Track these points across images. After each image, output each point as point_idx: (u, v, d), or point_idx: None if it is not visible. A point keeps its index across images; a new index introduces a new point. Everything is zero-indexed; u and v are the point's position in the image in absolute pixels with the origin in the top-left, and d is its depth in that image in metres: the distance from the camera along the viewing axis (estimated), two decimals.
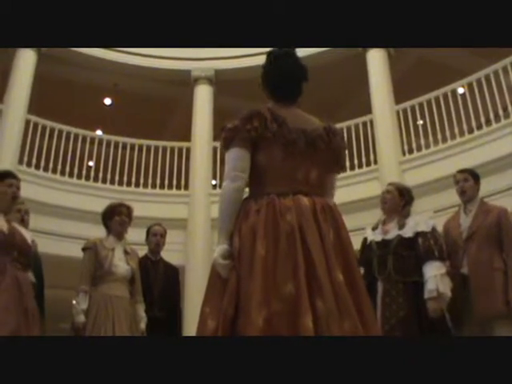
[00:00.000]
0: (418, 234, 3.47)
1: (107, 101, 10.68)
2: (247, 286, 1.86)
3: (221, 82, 9.54)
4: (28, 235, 3.40)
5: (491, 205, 3.81)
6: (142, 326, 3.93)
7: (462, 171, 3.85)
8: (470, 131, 7.55)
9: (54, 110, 9.11)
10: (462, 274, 3.54)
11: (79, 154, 8.46)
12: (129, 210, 4.10)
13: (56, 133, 8.43)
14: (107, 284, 3.84)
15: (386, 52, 8.62)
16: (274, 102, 2.23)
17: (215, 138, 8.77)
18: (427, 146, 7.92)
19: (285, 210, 1.97)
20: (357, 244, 3.13)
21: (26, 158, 7.91)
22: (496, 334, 3.36)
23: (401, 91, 8.31)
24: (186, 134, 9.38)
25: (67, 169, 8.27)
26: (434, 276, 3.31)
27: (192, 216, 8.52)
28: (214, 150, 8.82)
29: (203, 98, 9.47)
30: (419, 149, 7.95)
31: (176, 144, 9.22)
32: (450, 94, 7.86)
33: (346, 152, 2.34)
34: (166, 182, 8.84)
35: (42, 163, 8.08)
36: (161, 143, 9.19)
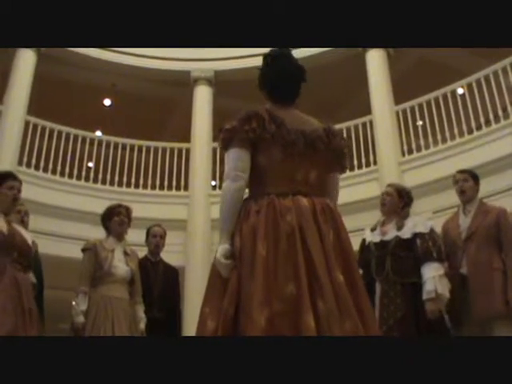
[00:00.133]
0: (416, 235, 3.49)
1: (107, 101, 10.68)
2: (248, 286, 1.87)
3: (220, 82, 9.54)
4: (28, 236, 3.40)
5: (490, 205, 3.82)
6: (142, 326, 3.93)
7: (461, 172, 3.86)
8: (470, 132, 7.55)
9: (54, 111, 9.11)
10: (461, 275, 3.54)
11: (79, 154, 8.46)
12: (128, 210, 4.11)
13: (55, 133, 8.42)
14: (107, 285, 3.84)
15: (385, 52, 8.62)
16: (272, 103, 2.23)
17: (215, 139, 8.76)
18: (427, 147, 7.92)
19: (285, 210, 1.98)
20: (356, 245, 3.14)
21: (25, 159, 7.91)
22: (495, 334, 3.36)
23: (400, 92, 8.31)
24: (185, 134, 9.38)
25: (67, 170, 8.27)
26: (433, 277, 3.33)
27: (192, 217, 8.52)
28: (214, 150, 8.82)
29: (203, 99, 9.47)
30: (419, 149, 7.95)
31: (175, 145, 9.22)
32: (449, 95, 7.87)
33: (348, 152, 2.33)
34: (166, 182, 8.84)
35: (42, 164, 8.07)
36: (160, 144, 9.19)
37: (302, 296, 1.81)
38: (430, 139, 7.85)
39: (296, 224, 1.94)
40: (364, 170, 8.23)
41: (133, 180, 8.67)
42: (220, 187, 7.84)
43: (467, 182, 3.73)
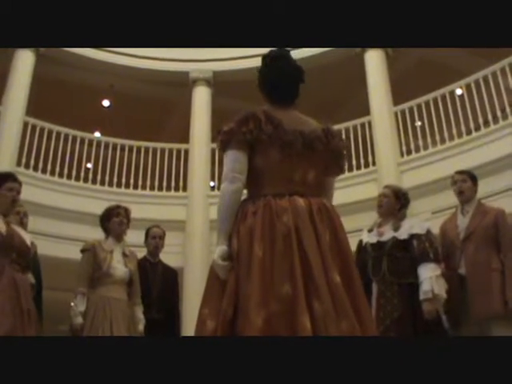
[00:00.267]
0: (412, 236, 3.52)
1: (105, 102, 10.67)
2: (245, 288, 1.88)
3: (219, 83, 9.54)
4: (27, 237, 3.40)
5: (488, 206, 3.83)
6: (140, 327, 3.92)
7: (460, 172, 3.87)
8: (468, 133, 7.55)
9: (53, 112, 9.10)
10: (460, 275, 3.55)
11: (77, 155, 8.45)
12: (126, 211, 4.11)
13: (54, 134, 8.42)
14: (105, 286, 3.83)
15: (384, 53, 8.63)
16: (271, 104, 2.23)
17: (213, 140, 8.76)
18: (425, 148, 7.92)
19: (281, 211, 1.98)
20: (354, 245, 3.14)
21: (24, 160, 7.90)
22: (493, 334, 3.36)
23: (399, 92, 8.32)
24: (184, 135, 9.38)
25: (65, 171, 8.26)
26: (430, 277, 3.36)
27: (190, 218, 8.52)
28: (213, 151, 8.81)
29: (201, 100, 9.47)
30: (417, 150, 7.95)
31: (174, 146, 9.21)
32: (448, 95, 7.87)
33: (346, 153, 2.34)
34: (165, 183, 8.83)
35: (41, 165, 8.07)
36: (159, 145, 9.19)
37: (298, 296, 1.81)
38: (429, 140, 7.85)
39: (292, 225, 1.95)
40: (363, 170, 8.23)
41: (131, 181, 8.67)
42: (219, 188, 7.85)
43: (465, 182, 3.74)
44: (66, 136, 8.58)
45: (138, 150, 9.00)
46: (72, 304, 3.77)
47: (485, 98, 7.46)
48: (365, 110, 8.45)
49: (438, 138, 7.72)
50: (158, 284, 4.38)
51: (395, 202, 3.68)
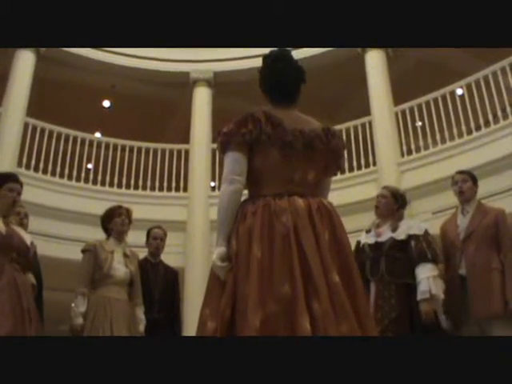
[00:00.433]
0: (410, 237, 3.54)
1: (106, 103, 10.68)
2: (243, 288, 1.87)
3: (219, 83, 9.55)
4: (27, 237, 3.40)
5: (488, 206, 3.83)
6: (141, 328, 3.92)
7: (460, 172, 3.87)
8: (469, 133, 7.55)
9: (53, 113, 9.11)
10: (460, 275, 3.55)
11: (78, 156, 8.45)
12: (128, 212, 4.10)
13: (55, 135, 8.42)
14: (106, 287, 3.83)
15: (384, 53, 8.63)
16: (272, 104, 2.24)
17: (214, 140, 8.74)
18: (426, 148, 7.92)
19: (280, 211, 1.98)
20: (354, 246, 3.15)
21: (24, 161, 7.91)
22: (494, 334, 3.36)
23: (399, 93, 8.32)
24: (184, 136, 9.38)
25: (66, 171, 8.26)
26: (427, 278, 3.38)
27: (191, 218, 8.52)
28: (213, 151, 8.80)
29: (202, 100, 9.48)
30: (418, 150, 7.95)
31: (175, 146, 9.22)
32: (448, 96, 7.87)
33: (345, 153, 2.35)
34: (165, 184, 8.84)
35: (41, 166, 8.07)
36: (160, 145, 9.19)
37: (297, 297, 1.81)
38: (429, 140, 7.85)
39: (291, 225, 1.95)
40: (363, 170, 8.23)
41: (132, 181, 8.67)
42: (219, 188, 7.85)
43: (466, 182, 3.74)
44: (67, 137, 8.59)
45: (139, 150, 9.00)
46: (72, 305, 3.77)
47: (485, 98, 7.46)
48: (365, 110, 8.45)
49: (438, 138, 7.72)
50: (159, 284, 4.38)
51: (393, 203, 3.70)
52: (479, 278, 3.46)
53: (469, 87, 7.74)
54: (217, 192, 8.38)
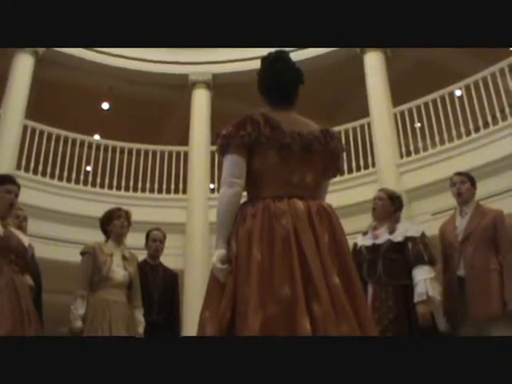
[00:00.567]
0: (407, 239, 3.56)
1: (105, 105, 10.69)
2: (244, 291, 1.87)
3: (218, 85, 9.55)
4: (25, 239, 3.39)
5: (487, 207, 3.84)
6: (140, 330, 3.92)
7: (459, 174, 3.88)
8: (468, 134, 7.56)
9: (52, 115, 9.11)
10: (459, 277, 3.55)
11: (77, 158, 8.45)
12: (127, 214, 4.10)
13: (54, 137, 8.41)
14: (105, 289, 3.83)
15: (383, 54, 8.64)
16: (270, 106, 2.24)
17: (213, 142, 8.75)
18: (425, 149, 7.92)
19: (280, 213, 1.98)
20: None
21: (23, 163, 7.90)
22: (492, 335, 3.36)
23: (398, 94, 8.32)
24: (183, 137, 9.38)
25: (65, 174, 8.26)
26: (424, 280, 3.40)
27: (190, 220, 8.51)
28: (212, 153, 8.80)
29: (201, 102, 9.48)
30: (417, 151, 7.95)
31: (174, 148, 9.22)
32: (447, 97, 7.87)
33: (344, 155, 2.34)
34: (164, 186, 8.83)
35: (40, 168, 8.06)
36: (158, 147, 9.18)
37: (297, 299, 1.81)
38: (428, 141, 7.85)
39: (291, 227, 1.95)
40: (362, 172, 8.23)
41: (131, 184, 8.66)
42: (218, 190, 7.85)
43: (464, 184, 3.75)
44: (66, 139, 8.58)
45: (138, 152, 8.99)
46: (72, 307, 3.76)
47: (484, 99, 7.46)
48: (364, 111, 8.46)
49: (437, 139, 7.72)
50: (158, 286, 4.38)
51: (390, 205, 3.72)
52: (477, 279, 3.46)
53: (467, 88, 7.75)
54: (216, 194, 8.38)
